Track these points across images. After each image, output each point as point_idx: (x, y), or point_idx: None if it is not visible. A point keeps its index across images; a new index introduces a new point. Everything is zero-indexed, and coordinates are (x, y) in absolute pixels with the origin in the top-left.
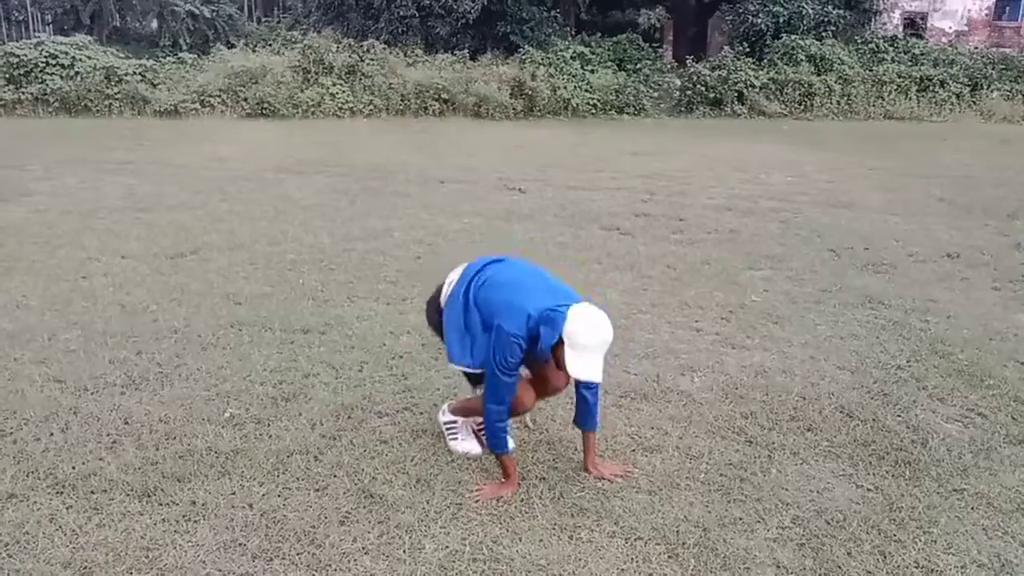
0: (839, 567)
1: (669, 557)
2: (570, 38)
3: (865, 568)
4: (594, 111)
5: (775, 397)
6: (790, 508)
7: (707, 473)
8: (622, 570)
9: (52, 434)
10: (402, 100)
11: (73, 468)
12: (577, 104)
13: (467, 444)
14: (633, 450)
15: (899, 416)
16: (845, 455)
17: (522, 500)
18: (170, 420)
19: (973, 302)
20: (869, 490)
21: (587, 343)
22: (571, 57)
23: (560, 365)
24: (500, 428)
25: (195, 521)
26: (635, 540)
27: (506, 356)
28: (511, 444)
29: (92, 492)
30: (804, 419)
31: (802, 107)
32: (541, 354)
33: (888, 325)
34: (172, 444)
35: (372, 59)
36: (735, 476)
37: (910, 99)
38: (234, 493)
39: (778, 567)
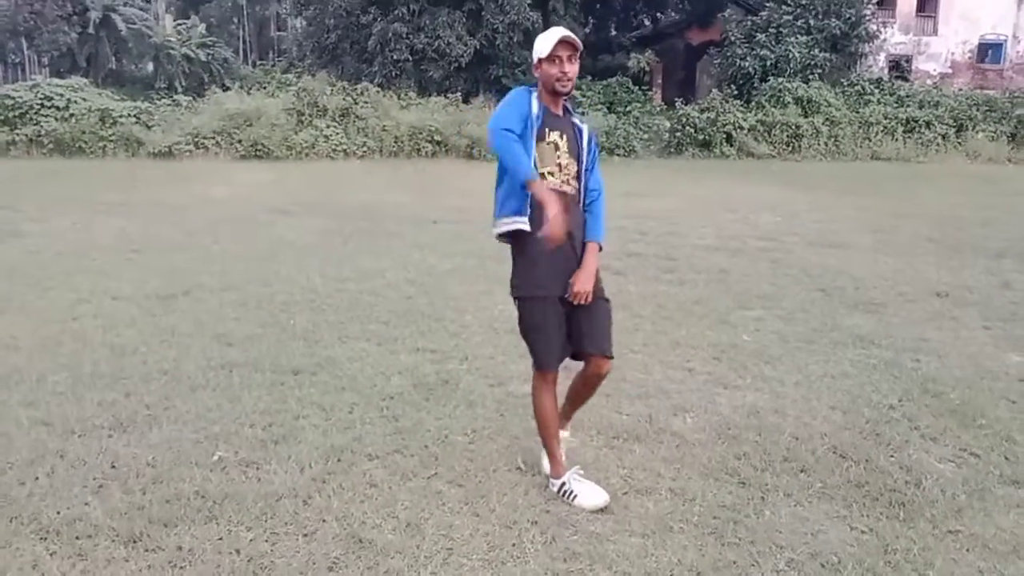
0: None
1: None
2: None
3: None
4: None
5: (768, 438)
6: (784, 551)
7: (700, 516)
8: None
9: (37, 478)
10: (395, 142)
11: (58, 513)
12: None
13: (589, 496)
14: (626, 492)
15: (892, 456)
16: (839, 496)
17: (514, 545)
18: (158, 463)
19: (964, 341)
20: (863, 532)
21: (537, 41)
22: None
23: (539, 76)
24: (512, 147)
25: (181, 567)
26: None
27: (513, 104)
28: (532, 168)
29: (77, 538)
30: (797, 460)
31: (790, 148)
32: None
33: (879, 365)
34: (159, 488)
35: (366, 102)
36: (729, 519)
37: (896, 140)
38: (221, 539)
39: None
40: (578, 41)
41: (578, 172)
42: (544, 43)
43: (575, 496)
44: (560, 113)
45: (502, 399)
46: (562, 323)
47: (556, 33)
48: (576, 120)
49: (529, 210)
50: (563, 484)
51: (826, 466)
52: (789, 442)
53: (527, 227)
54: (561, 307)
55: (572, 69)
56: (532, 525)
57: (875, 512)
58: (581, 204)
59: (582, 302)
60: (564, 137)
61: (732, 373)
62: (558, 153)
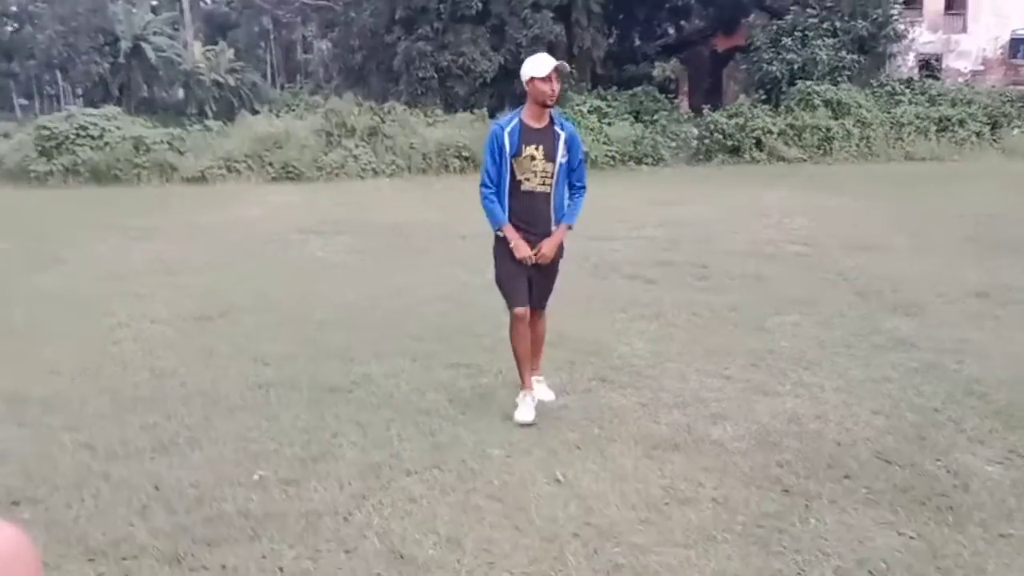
0: None
1: None
2: (586, 92)
3: None
4: (612, 163)
5: (810, 444)
6: (831, 559)
7: (744, 525)
8: None
9: (83, 500)
10: (423, 159)
11: (104, 534)
12: (595, 157)
13: (519, 412)
14: (667, 503)
15: (938, 460)
16: (885, 502)
17: (555, 558)
18: (200, 484)
19: (1006, 341)
20: (912, 538)
21: (530, 62)
22: (588, 111)
23: (530, 90)
24: (490, 206)
25: None
26: None
27: (489, 147)
28: (504, 217)
29: (123, 558)
30: (841, 466)
31: (821, 151)
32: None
33: (921, 367)
34: (202, 508)
35: (393, 120)
36: (773, 527)
37: (929, 140)
38: (264, 557)
39: None
40: (566, 67)
41: (558, 169)
42: (541, 66)
43: (516, 408)
44: (543, 125)
45: (538, 412)
46: (525, 279)
47: (548, 60)
48: (557, 128)
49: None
50: (521, 396)
51: (871, 472)
52: (832, 448)
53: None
54: (524, 269)
55: (558, 87)
56: (573, 538)
57: (923, 517)
58: (553, 201)
59: (543, 262)
60: (540, 147)
61: (771, 380)
62: (534, 163)
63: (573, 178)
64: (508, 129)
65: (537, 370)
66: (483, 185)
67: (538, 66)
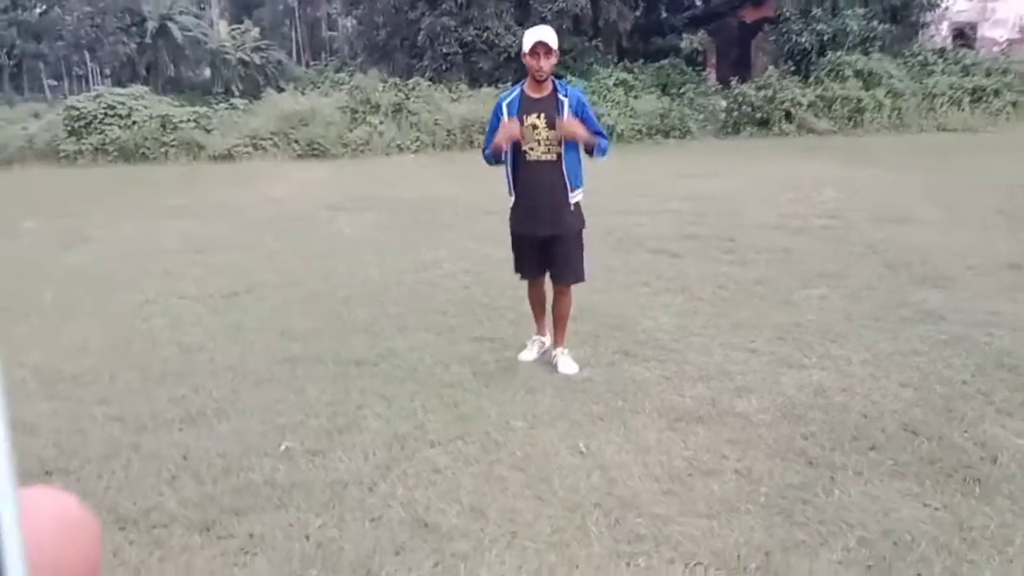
0: None
1: None
2: (612, 66)
3: None
4: (639, 136)
5: (835, 417)
6: (855, 530)
7: (768, 496)
8: None
9: (114, 472)
10: (448, 135)
11: (134, 504)
12: (622, 130)
13: (523, 352)
14: (690, 474)
15: (966, 432)
16: (911, 474)
17: (577, 527)
18: (227, 455)
19: None
20: (937, 509)
21: (526, 36)
22: (614, 84)
23: (527, 62)
24: (489, 156)
25: (253, 554)
26: (695, 566)
27: (491, 119)
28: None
29: (153, 527)
30: (867, 438)
31: (852, 123)
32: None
33: (950, 340)
34: (230, 478)
35: (418, 96)
36: (797, 498)
37: (963, 110)
38: (291, 525)
39: None
40: (552, 41)
41: (561, 137)
42: (526, 42)
43: (523, 349)
44: (543, 95)
45: (561, 385)
46: (535, 253)
47: (535, 35)
48: (560, 95)
49: (514, 190)
50: (530, 340)
51: (897, 444)
52: (858, 420)
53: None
54: (533, 243)
55: (547, 63)
56: (595, 508)
57: (949, 489)
58: (564, 168)
59: (564, 133)
60: (542, 116)
61: (797, 353)
62: (536, 131)
63: (589, 126)
64: (508, 101)
65: (560, 342)
66: (484, 151)
67: (525, 41)
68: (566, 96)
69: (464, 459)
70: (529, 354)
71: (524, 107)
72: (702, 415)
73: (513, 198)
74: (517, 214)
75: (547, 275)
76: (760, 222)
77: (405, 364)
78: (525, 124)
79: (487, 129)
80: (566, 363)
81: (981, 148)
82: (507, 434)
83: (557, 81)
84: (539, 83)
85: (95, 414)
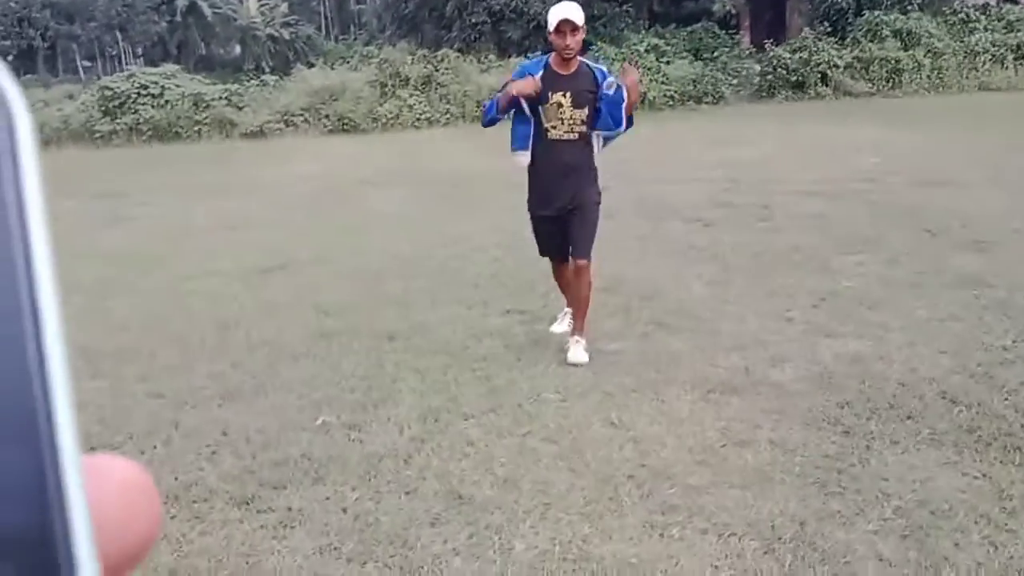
0: (946, 559)
1: (765, 552)
2: (643, 31)
3: (975, 559)
4: (671, 103)
5: (872, 385)
6: (891, 499)
7: (802, 466)
8: (716, 567)
9: (155, 447)
10: (478, 107)
11: (176, 479)
12: (653, 97)
13: (555, 324)
14: (723, 445)
15: (1007, 400)
16: (949, 442)
17: (610, 499)
18: (266, 430)
19: None
20: (976, 478)
21: (551, 13)
22: (645, 50)
23: (552, 40)
24: (491, 106)
25: (292, 527)
26: (728, 536)
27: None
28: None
29: (194, 501)
30: (904, 407)
31: (890, 84)
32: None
33: (991, 305)
34: (268, 453)
35: (447, 68)
36: (832, 468)
37: (1006, 68)
38: (328, 498)
39: (880, 560)
40: (578, 18)
41: (588, 116)
42: (551, 19)
43: (554, 322)
44: (570, 71)
45: (593, 356)
46: (555, 232)
47: (559, 13)
48: (587, 72)
49: (530, 146)
50: (562, 313)
51: (935, 412)
52: (895, 389)
53: (527, 159)
54: (553, 222)
55: (574, 40)
56: (628, 479)
57: (988, 457)
58: (589, 146)
59: (625, 75)
60: (568, 95)
61: (833, 321)
62: (561, 110)
63: (622, 115)
64: (529, 66)
65: (579, 329)
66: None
67: (551, 18)
68: (594, 74)
69: (497, 432)
70: (560, 326)
71: (550, 82)
72: (736, 385)
73: (528, 168)
74: (534, 195)
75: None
76: (795, 188)
77: (437, 337)
78: (551, 101)
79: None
80: (576, 352)
81: None
82: (539, 407)
83: (585, 61)
84: (566, 60)
85: (136, 391)
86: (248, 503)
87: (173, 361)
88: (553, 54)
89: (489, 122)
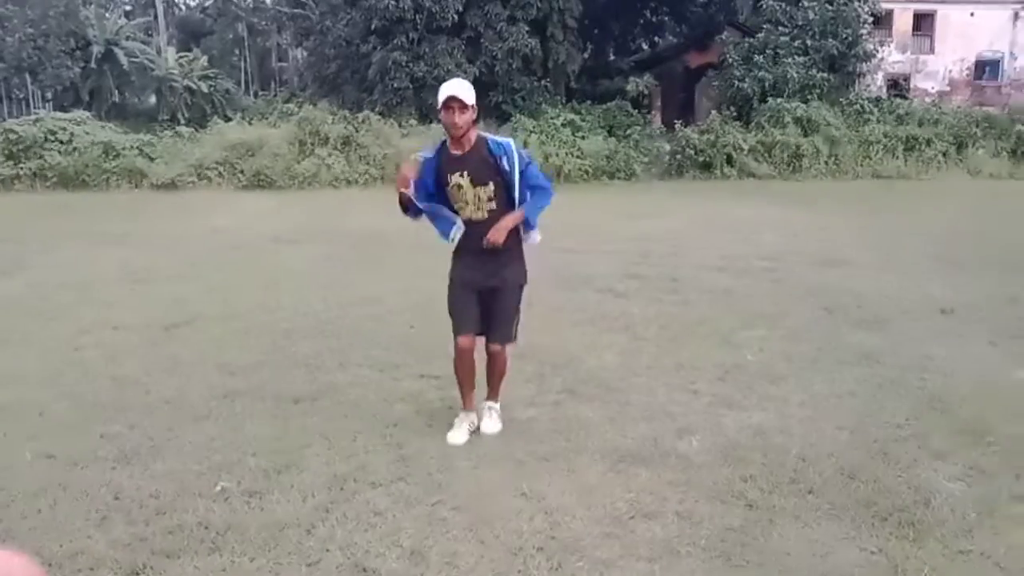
0: None
1: None
2: (560, 106)
3: None
4: (585, 176)
5: (774, 459)
6: (794, 573)
7: (708, 539)
8: None
9: (40, 511)
10: (397, 169)
11: (60, 546)
12: (569, 170)
13: (451, 434)
14: (632, 517)
15: (900, 476)
16: (847, 517)
17: (519, 572)
18: (161, 495)
19: (970, 358)
20: (873, 553)
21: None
22: (562, 124)
23: (442, 119)
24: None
25: None
26: None
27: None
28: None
29: (79, 571)
30: (804, 481)
31: (791, 168)
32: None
33: (885, 383)
34: (162, 519)
35: (367, 130)
36: (736, 541)
37: (897, 158)
38: (225, 569)
39: None
40: (465, 96)
41: (496, 192)
42: (440, 97)
43: (449, 429)
44: (465, 150)
45: (506, 424)
46: (475, 301)
47: (446, 90)
48: (485, 151)
49: (451, 235)
50: (459, 418)
51: (834, 486)
52: (796, 463)
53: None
54: (474, 294)
55: (462, 119)
56: (537, 551)
57: (884, 532)
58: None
59: (488, 246)
60: (466, 174)
61: (737, 393)
62: (462, 191)
63: (528, 181)
64: (429, 156)
65: (494, 396)
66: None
67: (439, 95)
68: (494, 151)
69: (406, 501)
70: (458, 435)
71: (446, 166)
72: (644, 456)
73: (453, 245)
74: (458, 263)
75: (481, 339)
76: (703, 263)
77: (347, 401)
78: (450, 184)
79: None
80: (490, 423)
81: (915, 195)
82: (450, 475)
83: (487, 136)
84: (458, 139)
85: (23, 449)
86: (138, 573)
87: (65, 419)
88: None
89: (412, 216)
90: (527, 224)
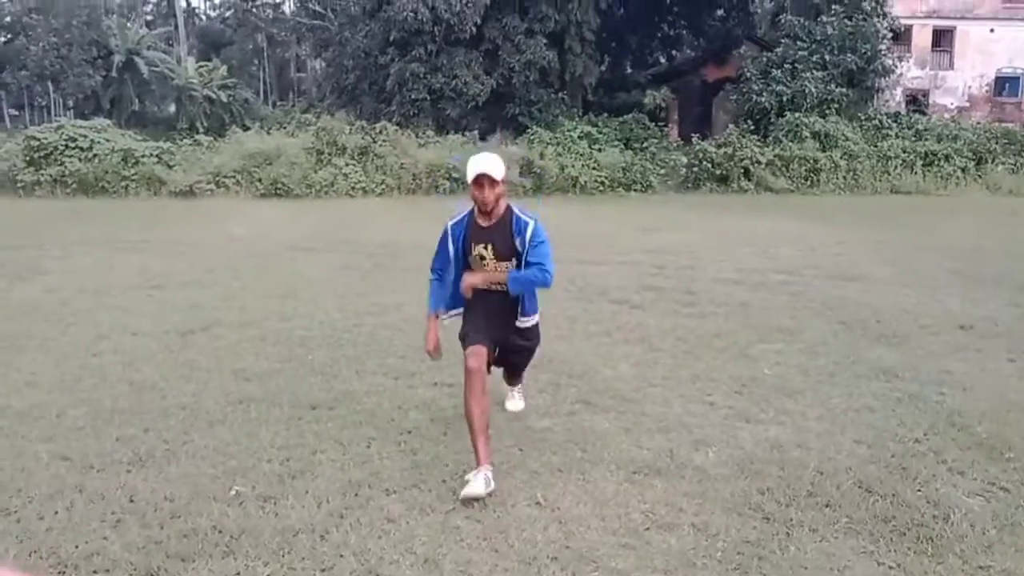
0: None
1: None
2: (577, 118)
3: None
4: (602, 188)
5: (791, 472)
6: None
7: (724, 551)
8: None
9: (56, 512)
10: (413, 179)
11: (76, 547)
12: (585, 182)
13: (469, 486)
14: (647, 528)
15: (919, 491)
16: (865, 531)
17: None
18: (175, 498)
19: (989, 374)
20: (891, 568)
21: (468, 165)
22: (578, 136)
23: (472, 194)
24: (430, 289)
25: None
26: None
27: (440, 241)
28: (434, 307)
29: (95, 572)
30: (822, 494)
31: (808, 182)
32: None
33: (904, 398)
34: (177, 523)
35: (384, 140)
36: (752, 554)
37: (915, 173)
38: (238, 573)
39: None
40: (496, 172)
41: (516, 267)
42: (469, 172)
43: (465, 485)
44: (491, 223)
45: (520, 433)
46: (489, 329)
47: (475, 167)
48: (512, 223)
49: (461, 302)
50: (473, 473)
51: (852, 501)
52: (813, 476)
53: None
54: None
55: (492, 194)
56: (552, 561)
57: (902, 547)
58: (512, 298)
59: (467, 295)
60: (490, 246)
61: (754, 407)
62: (484, 262)
63: (531, 257)
64: (454, 223)
65: (516, 386)
66: (431, 270)
67: (469, 171)
68: (519, 225)
69: (420, 508)
70: (476, 487)
71: (472, 235)
72: (660, 468)
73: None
74: (465, 323)
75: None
76: (719, 276)
77: (362, 408)
78: (473, 254)
79: (438, 245)
80: (514, 401)
81: (933, 210)
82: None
83: (516, 210)
84: (486, 214)
85: (40, 452)
86: None
87: (82, 422)
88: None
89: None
90: (522, 308)
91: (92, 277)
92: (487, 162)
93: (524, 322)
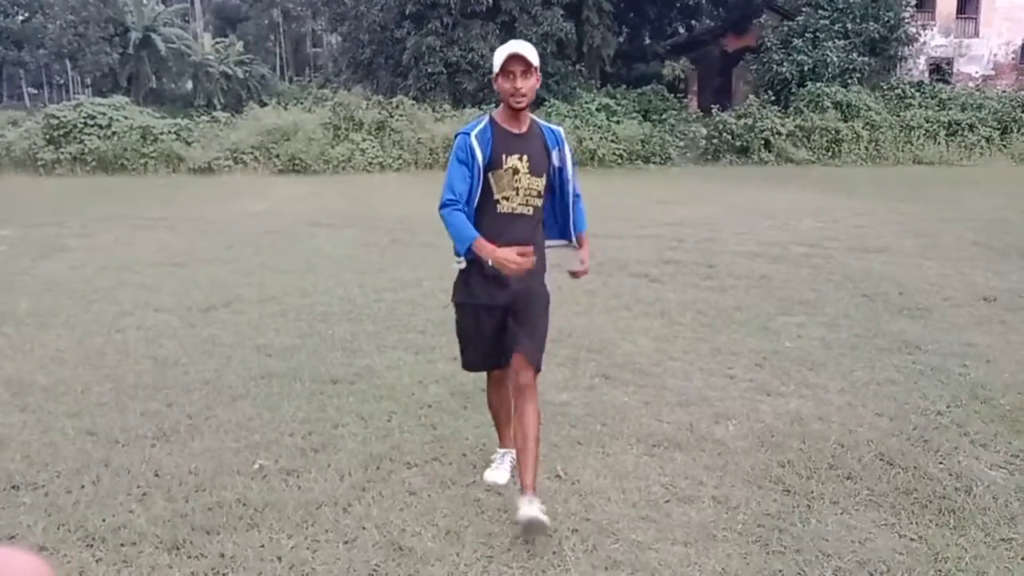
0: None
1: None
2: (595, 90)
3: None
4: (620, 161)
5: (812, 445)
6: (832, 559)
7: (745, 524)
8: None
9: (83, 486)
10: (430, 154)
11: (103, 521)
12: (603, 154)
13: (489, 472)
14: (667, 500)
15: (941, 463)
16: (887, 504)
17: (554, 553)
18: (200, 472)
19: (1013, 346)
20: (913, 540)
21: (496, 52)
22: (596, 109)
23: (500, 86)
24: (454, 218)
25: (224, 574)
26: None
27: (456, 156)
28: (474, 231)
29: (122, 545)
30: (843, 467)
31: (830, 153)
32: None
33: (926, 370)
34: (201, 496)
35: (401, 115)
36: (773, 527)
37: (939, 144)
38: (263, 546)
39: None
40: (531, 56)
41: (545, 188)
42: (497, 57)
43: (487, 468)
44: (523, 130)
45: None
46: (491, 329)
47: (508, 48)
48: (545, 133)
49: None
50: (499, 455)
51: (873, 473)
52: (834, 449)
53: (463, 265)
54: (490, 314)
55: (526, 84)
56: (572, 533)
57: (924, 520)
58: (540, 225)
59: (582, 277)
60: (525, 158)
61: (775, 380)
62: (517, 177)
63: (574, 187)
64: (477, 132)
65: (530, 489)
66: (443, 204)
67: (496, 59)
68: (552, 135)
69: (441, 481)
70: (499, 473)
71: (501, 144)
72: (680, 441)
73: (463, 263)
74: (468, 280)
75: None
76: (739, 249)
77: (383, 383)
78: (504, 166)
79: (450, 168)
80: (531, 511)
81: (956, 181)
82: (484, 456)
83: (539, 121)
84: (517, 113)
85: (66, 427)
86: (178, 548)
87: (106, 398)
88: (499, 109)
89: (445, 224)
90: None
91: (114, 254)
92: (519, 44)
93: (559, 244)
